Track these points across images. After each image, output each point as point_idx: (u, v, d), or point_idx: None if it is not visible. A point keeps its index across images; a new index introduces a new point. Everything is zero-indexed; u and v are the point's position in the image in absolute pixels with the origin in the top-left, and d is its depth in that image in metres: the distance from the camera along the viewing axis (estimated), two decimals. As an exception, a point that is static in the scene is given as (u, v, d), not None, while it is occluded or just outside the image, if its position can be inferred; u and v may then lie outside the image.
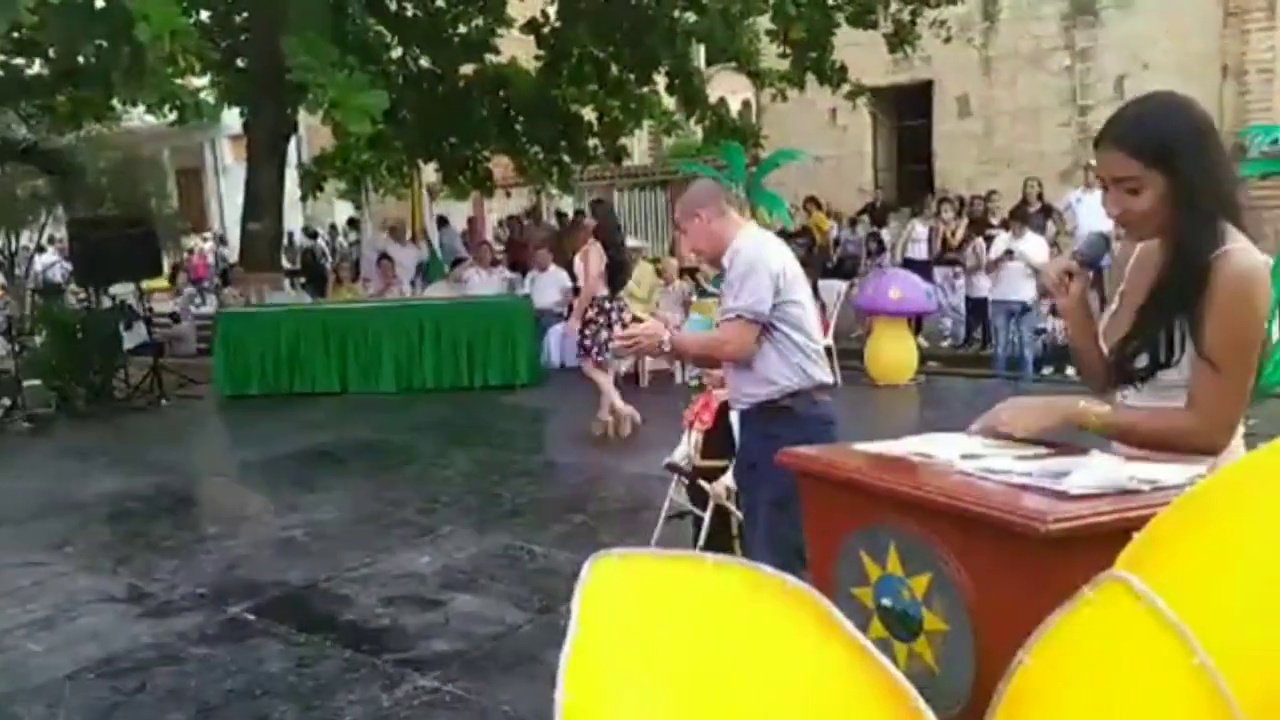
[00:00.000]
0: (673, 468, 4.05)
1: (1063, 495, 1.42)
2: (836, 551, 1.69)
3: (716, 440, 3.87)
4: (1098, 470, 1.51)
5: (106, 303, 10.02)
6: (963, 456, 1.65)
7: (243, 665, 3.62)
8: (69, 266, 12.95)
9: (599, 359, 6.84)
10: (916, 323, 9.75)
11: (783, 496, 2.77)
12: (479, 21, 11.91)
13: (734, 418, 3.63)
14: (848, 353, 9.22)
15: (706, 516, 3.78)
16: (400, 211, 15.79)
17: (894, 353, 8.96)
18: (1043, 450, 1.70)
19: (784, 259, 2.97)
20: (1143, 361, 1.72)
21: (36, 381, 9.07)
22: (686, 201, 3.15)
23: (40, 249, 15.16)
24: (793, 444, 2.70)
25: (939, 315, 10.49)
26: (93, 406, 9.12)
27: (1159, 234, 1.75)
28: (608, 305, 6.85)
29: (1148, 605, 0.97)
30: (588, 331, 6.82)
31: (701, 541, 3.72)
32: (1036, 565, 1.35)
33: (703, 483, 3.80)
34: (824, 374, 2.98)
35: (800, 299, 2.96)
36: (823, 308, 9.15)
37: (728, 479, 3.70)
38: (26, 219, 13.73)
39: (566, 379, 9.78)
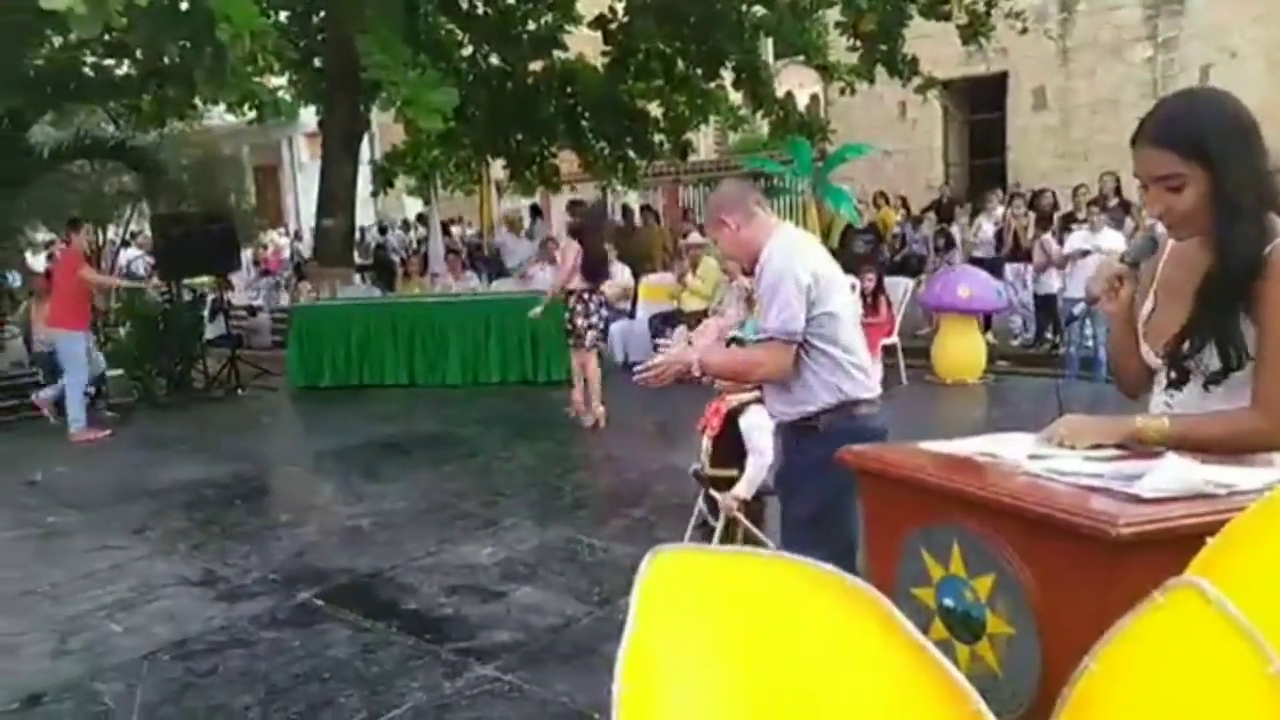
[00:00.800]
0: (697, 475, 3.87)
1: (1134, 498, 1.38)
2: (898, 551, 1.66)
3: (725, 448, 3.62)
4: (1172, 473, 1.46)
5: (187, 295, 10.36)
6: (1030, 457, 1.62)
7: (310, 650, 3.71)
8: (151, 260, 13.39)
9: (589, 347, 7.40)
10: (986, 320, 9.56)
11: (817, 512, 2.74)
12: (548, 19, 12.00)
13: (743, 424, 3.52)
14: (914, 350, 9.09)
15: (718, 527, 3.57)
16: (466, 208, 15.98)
17: (962, 351, 8.80)
18: (1113, 452, 1.65)
19: (815, 265, 2.75)
20: (1215, 364, 1.68)
21: (119, 372, 9.42)
22: (712, 209, 2.94)
23: (125, 243, 15.69)
24: (825, 460, 2.64)
25: (1009, 313, 10.27)
26: (172, 396, 9.44)
27: (1202, 232, 1.70)
28: (586, 296, 7.37)
29: (1220, 611, 0.94)
30: (579, 322, 7.36)
31: None
32: (1105, 569, 1.32)
33: (714, 493, 3.59)
34: (864, 389, 2.78)
35: (835, 308, 2.75)
36: (889, 305, 9.03)
37: (739, 489, 3.51)
38: (113, 214, 14.23)
39: (629, 375, 9.80)
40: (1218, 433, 1.67)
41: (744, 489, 3.49)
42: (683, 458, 6.31)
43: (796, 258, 2.73)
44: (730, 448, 3.57)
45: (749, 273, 2.93)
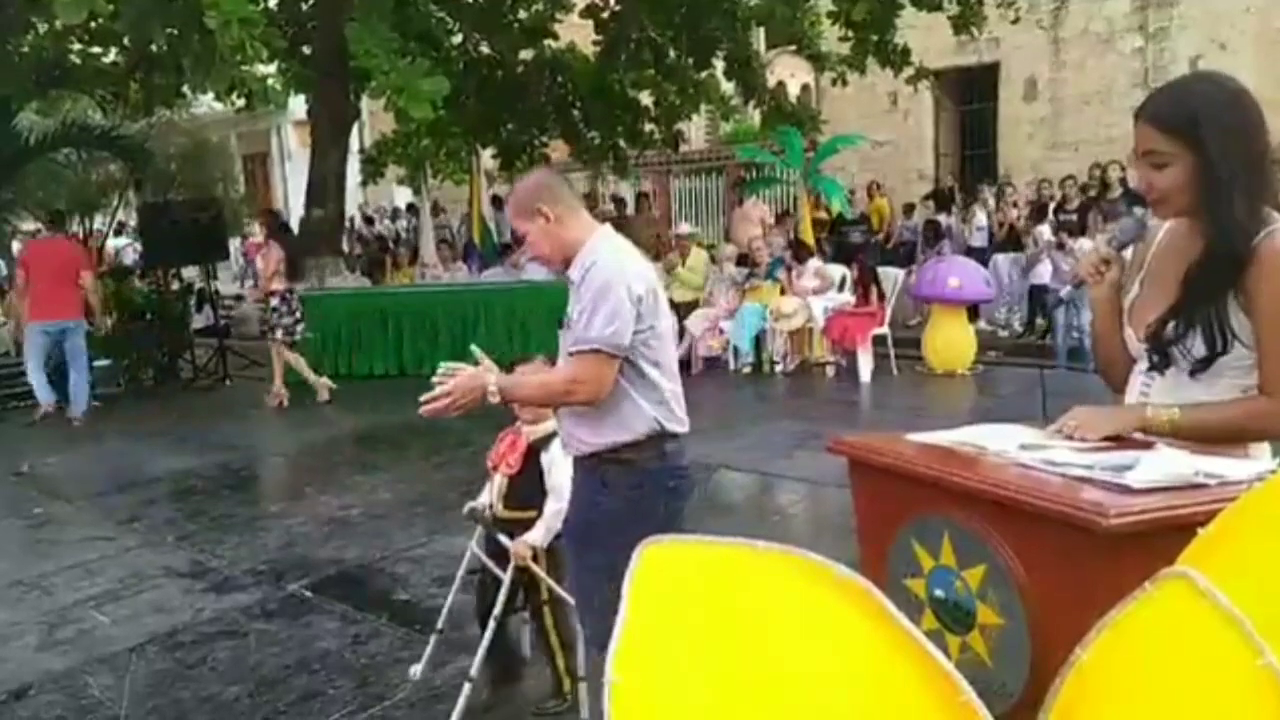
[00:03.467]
0: (474, 516, 3.18)
1: (1125, 489, 1.38)
2: (889, 542, 1.66)
3: (524, 486, 3.04)
4: (1162, 464, 1.46)
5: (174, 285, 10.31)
6: (1021, 447, 1.62)
7: (300, 641, 3.70)
8: (139, 249, 13.31)
9: (284, 339, 8.25)
10: (973, 310, 9.59)
11: (618, 562, 2.38)
12: (538, 6, 11.94)
13: (544, 460, 3.00)
14: (904, 341, 9.11)
15: (507, 577, 2.97)
16: (458, 196, 15.90)
17: (952, 341, 8.82)
18: (1104, 442, 1.65)
19: (647, 275, 2.44)
20: (1199, 350, 1.68)
21: (106, 361, 9.36)
22: (525, 195, 2.49)
23: (118, 232, 15.60)
24: (636, 502, 2.36)
25: (1000, 303, 10.30)
26: (160, 386, 9.39)
27: (1185, 213, 1.71)
28: (288, 295, 8.28)
29: (1212, 603, 0.94)
30: (272, 317, 8.23)
31: (499, 609, 2.97)
32: (1096, 560, 1.32)
33: (503, 539, 3.00)
34: (678, 422, 2.45)
35: (661, 326, 2.42)
36: (880, 296, 9.04)
37: (534, 536, 2.95)
38: (100, 203, 14.12)
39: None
40: (1235, 419, 1.67)
41: (540, 535, 2.94)
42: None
43: (628, 264, 2.40)
44: (531, 486, 3.04)
45: (559, 270, 2.50)
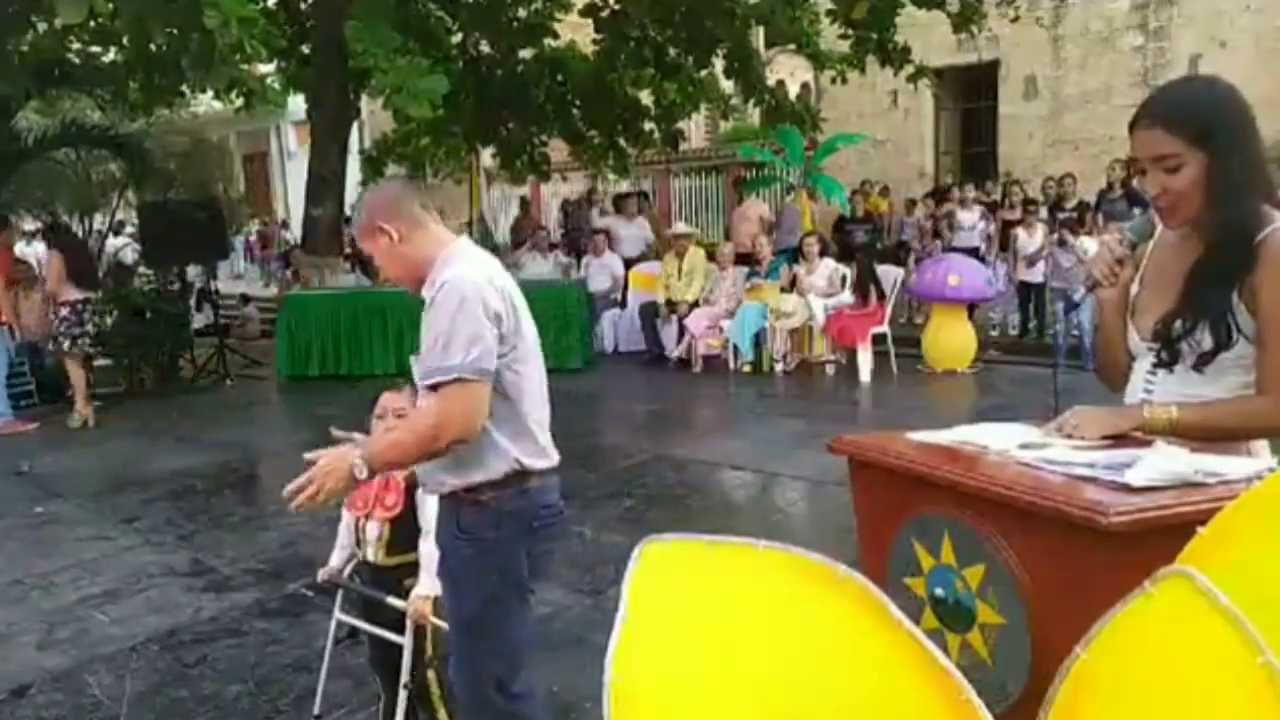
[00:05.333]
0: (334, 582, 2.80)
1: (1125, 488, 1.38)
2: (889, 541, 1.67)
3: (406, 528, 2.66)
4: (1162, 463, 1.46)
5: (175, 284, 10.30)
6: (1021, 446, 1.62)
7: (300, 640, 3.70)
8: (139, 248, 13.30)
9: (73, 351, 8.00)
10: (969, 308, 9.60)
11: (478, 612, 2.19)
12: (538, 5, 11.93)
13: (419, 495, 2.62)
14: (905, 340, 9.11)
15: (408, 641, 2.61)
16: (459, 195, 15.91)
17: (952, 340, 8.82)
18: (1105, 441, 1.65)
19: (505, 287, 2.15)
20: (1207, 344, 1.68)
21: (106, 361, 9.36)
22: (363, 214, 2.23)
23: (116, 231, 15.58)
24: (493, 548, 2.16)
25: (999, 301, 10.30)
26: (160, 386, 9.38)
27: (1194, 217, 1.71)
28: (80, 306, 8.05)
29: (1212, 602, 0.94)
30: (63, 329, 7.99)
31: (405, 676, 2.62)
32: (1096, 559, 1.32)
33: (393, 601, 2.62)
34: (542, 457, 2.20)
35: (524, 346, 2.16)
36: (881, 295, 9.04)
37: (425, 587, 2.55)
38: (99, 203, 14.11)
39: (619, 364, 9.84)
40: (1234, 416, 1.68)
41: (430, 584, 2.52)
42: (672, 448, 6.34)
43: (483, 278, 2.10)
44: (414, 526, 2.67)
45: (413, 290, 2.26)
